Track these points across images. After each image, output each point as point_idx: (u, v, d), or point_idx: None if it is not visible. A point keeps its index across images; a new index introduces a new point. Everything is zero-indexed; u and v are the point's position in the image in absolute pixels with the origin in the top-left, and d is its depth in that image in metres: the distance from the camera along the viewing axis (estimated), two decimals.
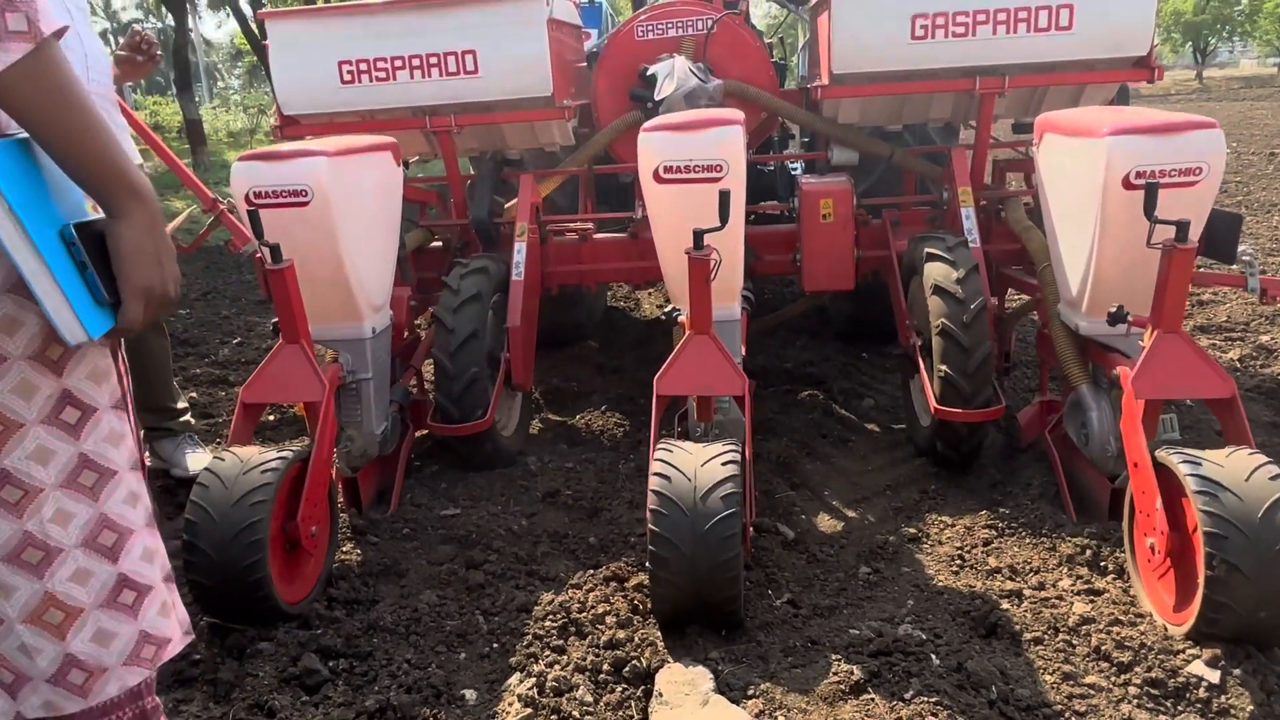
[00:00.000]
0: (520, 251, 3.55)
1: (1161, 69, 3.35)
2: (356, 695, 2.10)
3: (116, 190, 1.21)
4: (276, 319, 2.68)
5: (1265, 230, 7.27)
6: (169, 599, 1.40)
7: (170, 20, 17.27)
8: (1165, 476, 2.24)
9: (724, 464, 2.28)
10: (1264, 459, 2.13)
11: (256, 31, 17.71)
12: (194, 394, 4.38)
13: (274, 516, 2.37)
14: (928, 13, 3.24)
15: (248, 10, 18.33)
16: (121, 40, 3.35)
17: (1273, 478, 2.07)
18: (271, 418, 4.07)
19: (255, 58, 22.73)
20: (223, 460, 2.43)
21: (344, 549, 2.80)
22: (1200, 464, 2.13)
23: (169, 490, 3.31)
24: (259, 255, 3.16)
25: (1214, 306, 5.20)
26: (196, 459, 3.36)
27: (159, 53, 3.25)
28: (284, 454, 2.46)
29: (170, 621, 1.40)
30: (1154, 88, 25.97)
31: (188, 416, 3.54)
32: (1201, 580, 2.07)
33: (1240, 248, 3.19)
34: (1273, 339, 4.53)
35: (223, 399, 4.42)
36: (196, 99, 16.89)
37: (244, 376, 4.18)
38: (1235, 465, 2.12)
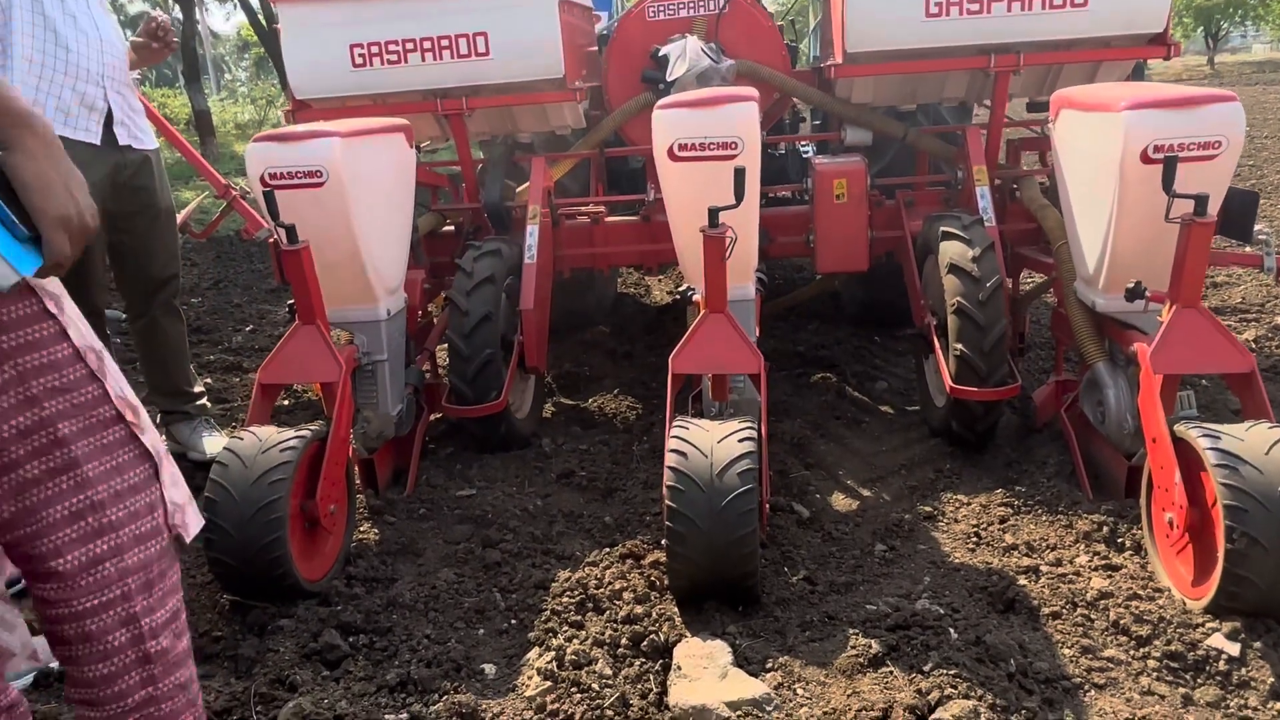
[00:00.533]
0: (533, 234, 3.55)
1: (1178, 45, 3.33)
2: (377, 670, 2.12)
3: (2, 122, 1.17)
4: (292, 300, 2.69)
5: (1279, 213, 7.22)
6: (8, 617, 1.36)
7: (178, 12, 17.28)
8: (1184, 451, 2.23)
9: (740, 440, 2.28)
10: None
11: (264, 23, 17.71)
12: (208, 380, 4.40)
13: (293, 495, 2.38)
14: None
15: (255, 2, 18.31)
16: (129, 33, 3.35)
17: None
18: (286, 402, 4.09)
19: (262, 49, 22.73)
20: (242, 440, 2.44)
21: (361, 528, 2.82)
22: (1220, 438, 2.12)
23: (186, 473, 3.32)
24: (272, 239, 3.18)
25: (1228, 288, 5.17)
26: (213, 442, 3.38)
27: (175, 38, 3.26)
28: (302, 433, 2.47)
29: (10, 637, 1.36)
30: (1165, 72, 25.74)
31: (204, 400, 3.56)
32: (1221, 554, 2.06)
33: (1256, 227, 3.17)
34: None
35: (236, 385, 4.44)
36: (205, 90, 16.91)
37: (257, 363, 4.20)
38: (1255, 439, 2.11)
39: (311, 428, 2.53)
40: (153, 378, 3.45)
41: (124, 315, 3.54)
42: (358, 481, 2.94)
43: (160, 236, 3.27)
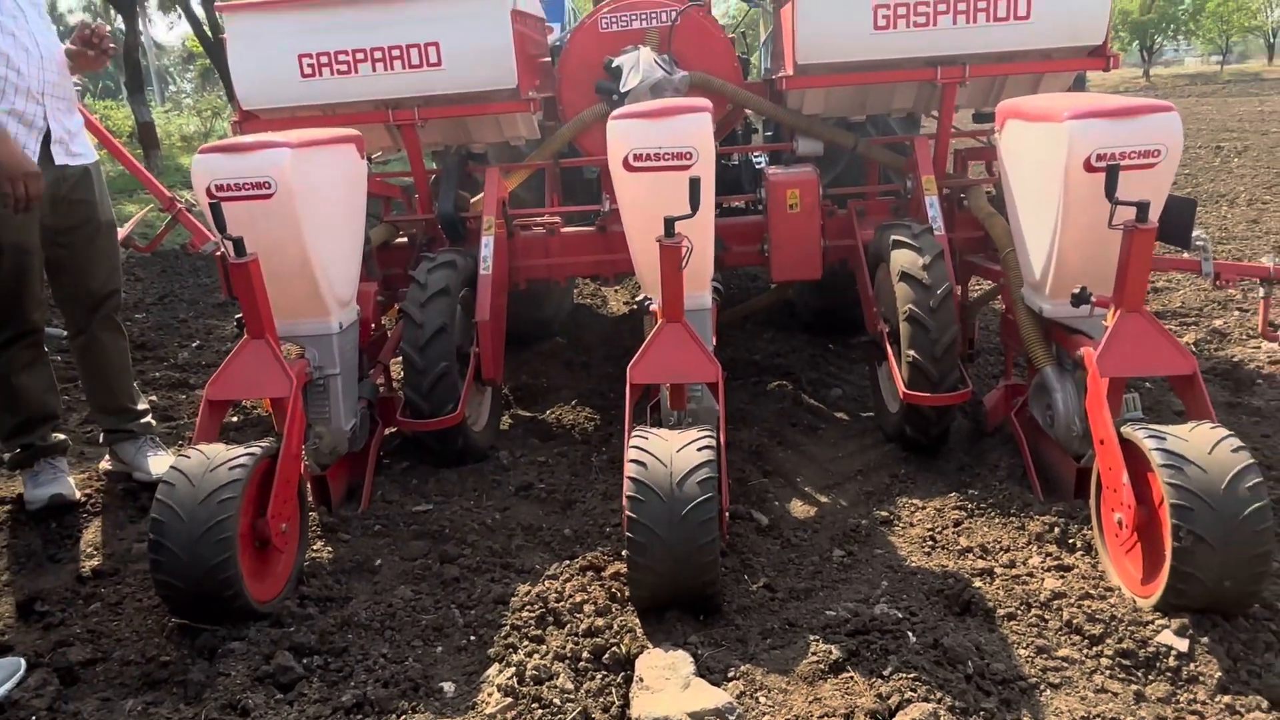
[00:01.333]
0: (488, 245, 3.53)
1: (1117, 57, 3.43)
2: (332, 691, 2.07)
3: None
4: (241, 315, 2.63)
5: (1214, 220, 7.48)
6: None
7: (120, 23, 16.90)
8: (1130, 452, 2.28)
9: (699, 449, 2.28)
10: (1226, 432, 2.18)
11: (209, 33, 17.39)
12: (154, 397, 4.28)
13: (243, 514, 2.32)
14: (889, 3, 3.28)
15: (200, 13, 17.98)
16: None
17: (1235, 450, 2.12)
18: (235, 418, 4.00)
19: (208, 60, 22.34)
20: (189, 458, 2.37)
21: (315, 547, 2.76)
22: (1165, 438, 2.18)
23: (131, 493, 3.24)
24: (219, 252, 3.11)
25: (1168, 293, 5.33)
26: (158, 461, 3.28)
27: (111, 45, 3.16)
28: (252, 450, 2.41)
29: None
30: (1103, 84, 26.56)
31: (149, 418, 3.45)
32: (1168, 552, 2.11)
33: (1194, 233, 3.26)
34: (1225, 323, 4.65)
35: (183, 402, 4.33)
36: (149, 102, 16.55)
37: (204, 379, 4.10)
38: (1199, 439, 2.17)
39: (262, 444, 2.47)
40: (95, 396, 3.35)
41: (64, 332, 3.43)
42: (310, 499, 2.88)
43: (101, 251, 3.18)
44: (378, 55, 3.42)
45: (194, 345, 5.34)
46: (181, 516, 2.25)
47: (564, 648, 2.15)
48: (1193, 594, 2.10)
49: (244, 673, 2.10)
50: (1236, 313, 4.82)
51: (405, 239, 4.07)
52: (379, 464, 3.30)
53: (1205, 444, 2.15)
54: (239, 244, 2.50)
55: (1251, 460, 2.11)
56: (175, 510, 2.26)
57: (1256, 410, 3.50)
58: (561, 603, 2.35)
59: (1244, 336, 4.44)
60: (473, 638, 2.29)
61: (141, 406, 3.45)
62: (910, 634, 2.14)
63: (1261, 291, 3.82)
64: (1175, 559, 2.09)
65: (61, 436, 3.20)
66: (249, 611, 2.30)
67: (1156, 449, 2.16)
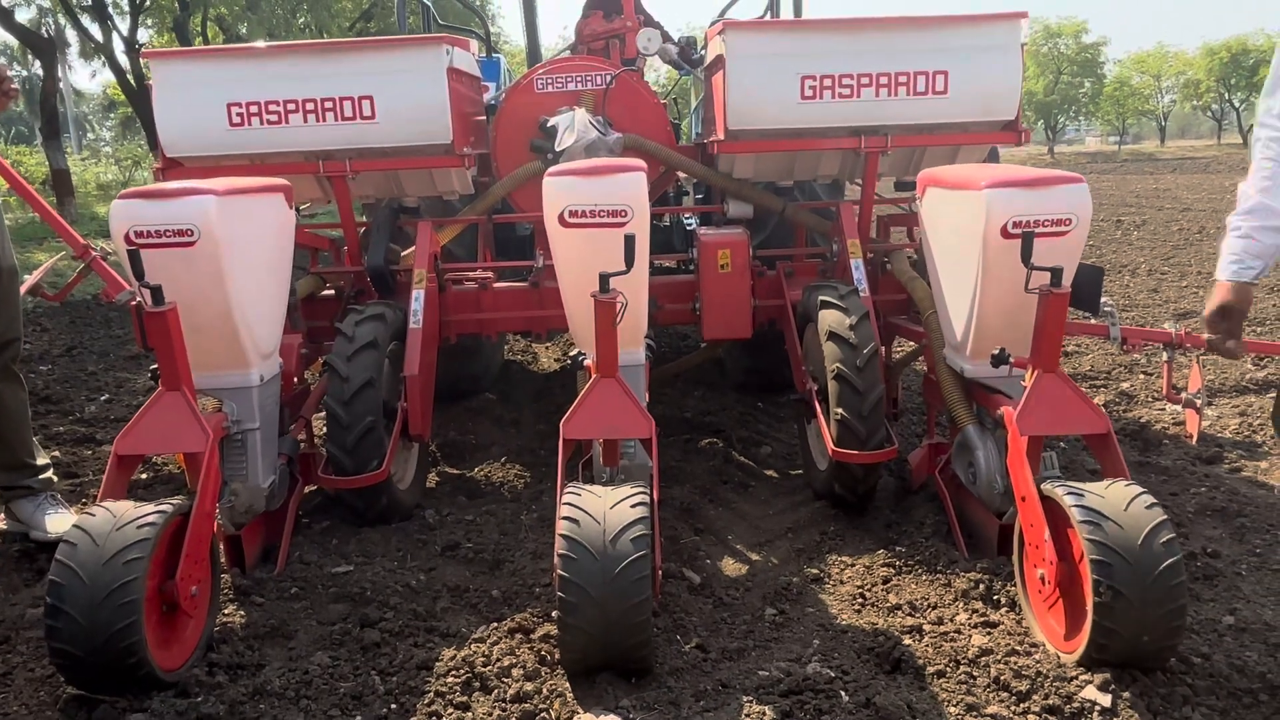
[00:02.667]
0: (418, 299, 3.49)
1: (1029, 132, 3.62)
2: None
3: None
4: (156, 365, 2.52)
5: (1118, 288, 7.87)
6: None
7: (38, 68, 16.45)
8: (1051, 509, 2.35)
9: (633, 506, 2.26)
10: (1140, 489, 2.26)
11: (133, 82, 17.06)
12: (57, 453, 4.06)
13: (150, 576, 2.19)
14: (816, 74, 3.41)
15: (124, 61, 17.65)
16: None
17: (1149, 506, 2.20)
18: (144, 475, 3.81)
19: (130, 108, 21.87)
20: (93, 516, 2.24)
21: (226, 611, 2.61)
22: (1083, 495, 2.24)
23: (28, 555, 3.04)
24: (135, 302, 2.99)
25: (1078, 357, 5.56)
26: (58, 520, 3.10)
27: (13, 87, 3.01)
28: (162, 508, 2.29)
29: None
30: (1012, 158, 28.04)
31: (49, 474, 3.27)
32: (1090, 607, 2.15)
33: (1102, 299, 3.42)
34: (1132, 386, 4.87)
35: (89, 458, 4.12)
36: (65, 149, 16.03)
37: (112, 434, 3.91)
38: (1115, 496, 2.24)
39: (174, 501, 2.35)
40: None
41: None
42: (223, 560, 2.74)
43: (1, 297, 3.03)
44: (310, 106, 3.40)
45: (102, 399, 5.10)
46: (83, 578, 2.11)
47: (491, 715, 2.07)
48: (1114, 648, 2.14)
49: None
50: (1142, 376, 5.05)
51: (332, 291, 3.99)
52: (297, 523, 3.17)
53: (1121, 501, 2.22)
54: (157, 292, 2.41)
55: (1165, 516, 2.18)
56: (76, 572, 2.12)
57: (1164, 469, 3.65)
58: (488, 667, 2.27)
59: (1150, 399, 4.65)
60: (394, 706, 2.19)
61: (42, 462, 3.26)
62: (843, 693, 2.13)
63: (1165, 356, 4.04)
64: (1097, 614, 2.13)
65: None
66: (153, 681, 2.16)
67: (1075, 505, 2.22)
